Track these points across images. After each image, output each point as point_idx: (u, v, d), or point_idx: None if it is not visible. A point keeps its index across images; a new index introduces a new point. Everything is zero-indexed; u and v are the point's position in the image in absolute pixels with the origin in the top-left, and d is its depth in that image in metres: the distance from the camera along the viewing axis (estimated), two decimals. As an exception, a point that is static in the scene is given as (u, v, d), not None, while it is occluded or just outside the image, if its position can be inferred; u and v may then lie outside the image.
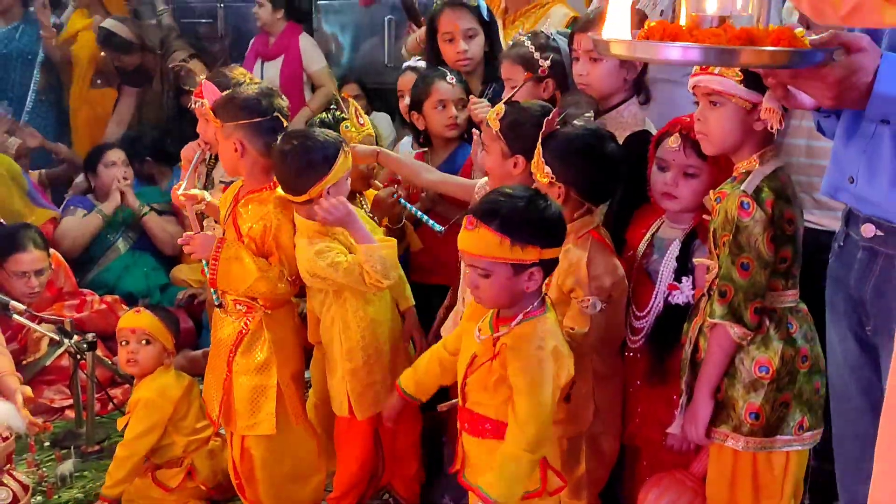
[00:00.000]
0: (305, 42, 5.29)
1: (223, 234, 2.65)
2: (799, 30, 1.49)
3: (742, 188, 1.93)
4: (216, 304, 2.68)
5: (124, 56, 5.39)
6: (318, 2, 5.94)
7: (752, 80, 1.89)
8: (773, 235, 1.93)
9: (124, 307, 4.01)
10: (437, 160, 3.04)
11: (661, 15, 2.72)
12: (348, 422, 2.64)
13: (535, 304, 2.03)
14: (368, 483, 2.76)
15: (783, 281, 2.01)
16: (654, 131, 2.44)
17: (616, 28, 1.37)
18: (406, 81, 3.32)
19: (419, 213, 2.82)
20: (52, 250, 3.93)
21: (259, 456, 2.67)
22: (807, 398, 2.03)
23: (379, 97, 5.21)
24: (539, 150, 2.21)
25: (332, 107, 3.15)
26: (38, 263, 3.71)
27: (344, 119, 2.86)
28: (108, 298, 4.09)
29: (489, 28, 3.19)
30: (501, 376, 1.99)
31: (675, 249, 2.23)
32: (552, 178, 2.19)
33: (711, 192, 2.08)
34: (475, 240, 1.97)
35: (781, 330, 2.01)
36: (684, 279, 2.18)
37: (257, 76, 4.85)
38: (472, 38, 3.12)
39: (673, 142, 2.18)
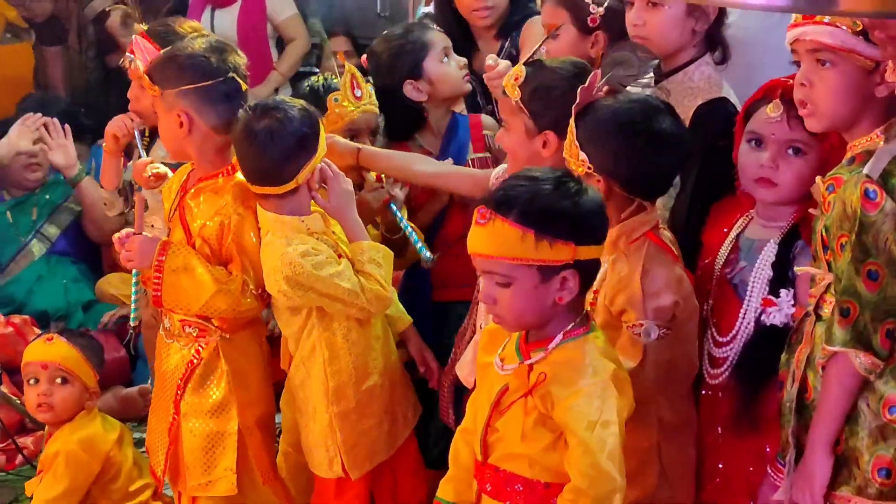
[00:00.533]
0: None
1: (168, 236, 2.61)
2: None
3: (865, 172, 1.84)
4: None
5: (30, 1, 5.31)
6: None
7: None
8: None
9: (36, 330, 3.96)
10: (436, 143, 3.02)
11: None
12: (336, 483, 2.58)
13: (577, 321, 1.96)
14: None
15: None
16: (734, 100, 2.43)
17: None
18: None
19: (408, 227, 2.77)
20: None
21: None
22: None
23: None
24: (572, 127, 2.15)
25: (315, 70, 3.08)
26: None
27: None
28: (16, 319, 4.05)
29: None
30: (541, 416, 1.92)
31: (769, 254, 2.19)
32: (589, 166, 2.13)
33: (819, 178, 2.01)
34: (490, 237, 1.90)
35: (915, 359, 1.97)
36: (783, 292, 2.13)
37: (206, 29, 4.73)
38: None
39: (773, 109, 2.16)
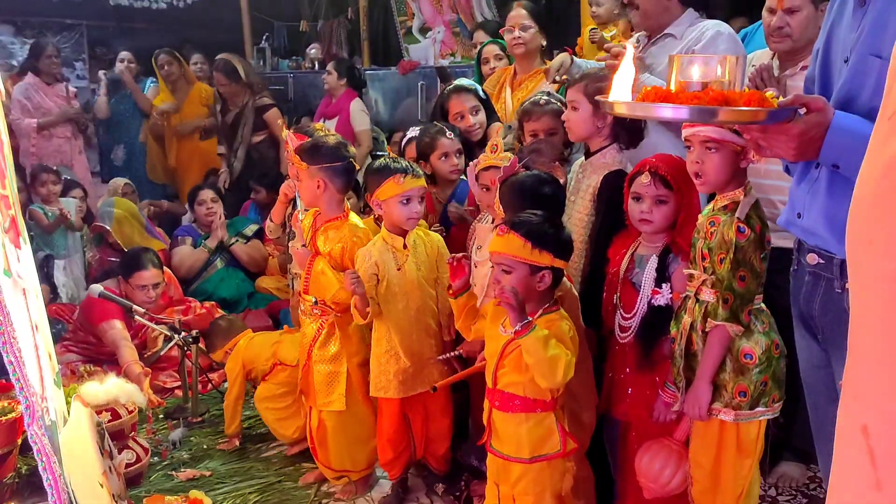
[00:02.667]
0: (355, 106, 5.24)
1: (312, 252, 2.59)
2: (769, 92, 1.44)
3: (736, 215, 1.88)
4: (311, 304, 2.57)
5: (232, 84, 5.14)
6: (367, 71, 5.97)
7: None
8: (761, 252, 1.90)
9: (219, 311, 4.04)
10: (444, 195, 2.95)
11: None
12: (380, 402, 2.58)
13: (550, 303, 2.00)
14: (407, 453, 2.63)
15: (759, 287, 1.96)
16: (627, 171, 2.36)
17: (619, 92, 1.35)
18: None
19: None
20: (165, 269, 3.97)
21: (331, 426, 2.61)
22: (779, 377, 1.98)
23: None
24: (496, 193, 2.12)
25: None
26: (155, 279, 3.74)
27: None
28: (207, 304, 4.11)
29: (486, 104, 3.13)
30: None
31: (653, 264, 2.15)
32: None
33: (702, 216, 2.01)
34: (505, 243, 1.95)
35: (760, 325, 1.96)
36: (664, 286, 2.12)
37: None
38: (477, 112, 3.04)
39: (644, 178, 2.12)
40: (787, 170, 1.91)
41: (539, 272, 1.95)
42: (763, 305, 1.99)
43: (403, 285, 2.44)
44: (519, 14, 3.34)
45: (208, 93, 5.67)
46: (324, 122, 5.14)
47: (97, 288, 3.44)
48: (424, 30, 5.93)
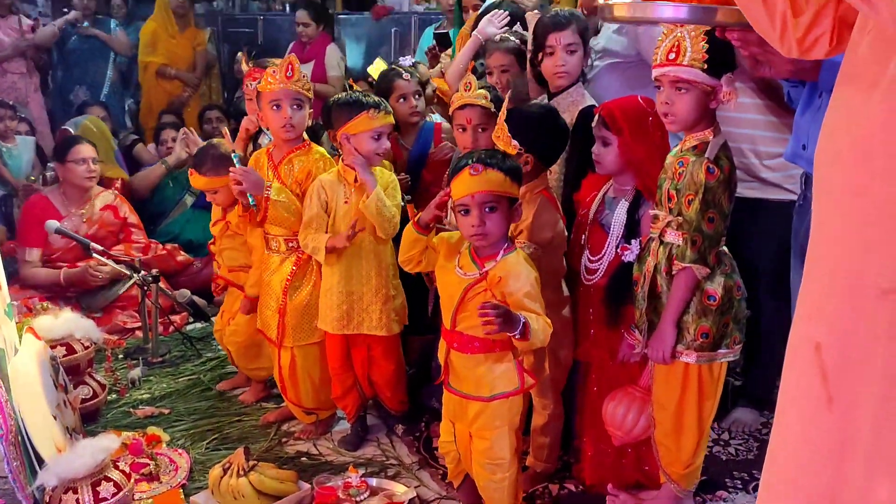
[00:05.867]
0: (330, 51, 5.13)
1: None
2: None
3: (706, 155, 1.86)
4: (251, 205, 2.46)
5: None
6: (339, 16, 5.82)
7: (712, 68, 1.82)
8: (729, 193, 1.88)
9: (182, 253, 3.94)
10: (408, 141, 2.86)
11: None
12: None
13: (508, 242, 1.96)
14: (355, 391, 2.57)
15: (725, 229, 1.94)
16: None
17: None
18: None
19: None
20: (126, 204, 3.88)
21: (303, 363, 2.55)
22: (740, 319, 1.99)
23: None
24: (502, 124, 2.02)
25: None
26: (91, 153, 3.68)
27: None
28: (169, 246, 3.97)
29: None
30: (494, 299, 1.88)
31: (623, 208, 2.13)
32: (521, 148, 2.03)
33: (670, 157, 1.98)
34: (485, 180, 1.87)
35: (722, 267, 1.95)
36: (633, 241, 2.07)
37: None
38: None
39: (595, 121, 2.12)
40: (789, 99, 1.87)
41: (512, 205, 1.91)
42: (725, 248, 1.99)
43: (348, 217, 2.37)
44: None
45: (200, 38, 5.51)
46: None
47: (53, 224, 3.34)
48: (399, -27, 5.77)
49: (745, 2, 1.03)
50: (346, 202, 2.39)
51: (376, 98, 2.40)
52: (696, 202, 1.86)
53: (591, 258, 2.18)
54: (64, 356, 2.55)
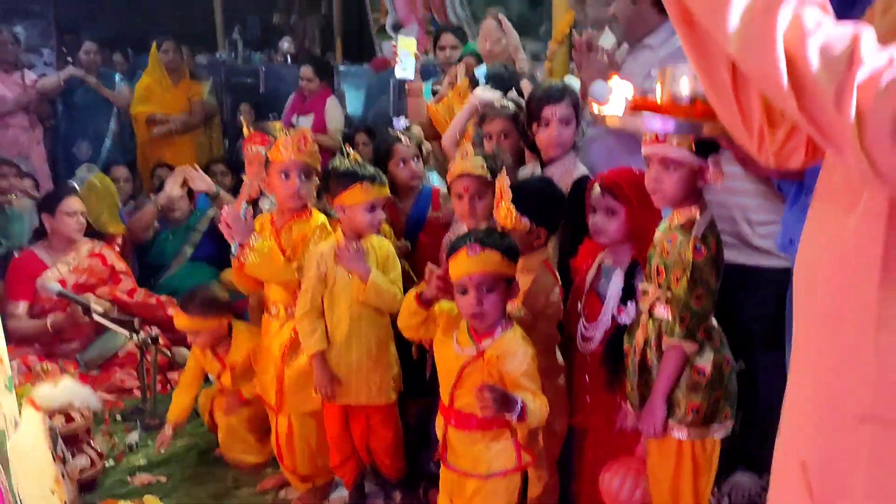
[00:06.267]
0: (331, 104, 5.22)
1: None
2: None
3: (693, 234, 1.88)
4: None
5: None
6: (340, 67, 5.92)
7: (700, 147, 1.86)
8: (717, 270, 1.90)
9: (174, 304, 3.72)
10: (406, 204, 2.93)
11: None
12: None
13: (505, 319, 1.97)
14: (354, 459, 2.59)
15: (713, 305, 1.96)
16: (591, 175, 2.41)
17: (612, 107, 1.33)
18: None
19: None
20: (121, 260, 3.94)
21: (300, 430, 2.56)
22: (731, 394, 1.99)
23: (386, 143, 5.18)
24: (510, 205, 2.06)
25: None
26: (80, 206, 3.75)
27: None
28: (163, 297, 3.94)
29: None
30: (491, 378, 1.92)
31: (618, 277, 2.15)
32: (531, 224, 2.10)
33: (659, 232, 2.01)
34: (483, 261, 1.90)
35: (711, 342, 1.96)
36: (629, 303, 2.09)
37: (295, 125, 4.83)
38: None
39: (595, 190, 2.14)
40: (779, 188, 1.89)
41: (509, 284, 1.94)
42: (714, 322, 2.00)
43: (348, 289, 2.39)
44: (491, 25, 3.35)
45: (195, 90, 5.58)
46: (297, 118, 5.13)
47: (55, 287, 3.36)
48: (398, 27, 5.89)
49: (724, 115, 1.06)
50: (349, 274, 2.38)
51: (371, 169, 2.42)
52: (684, 280, 1.88)
53: (587, 326, 2.20)
54: (63, 425, 2.55)
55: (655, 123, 1.23)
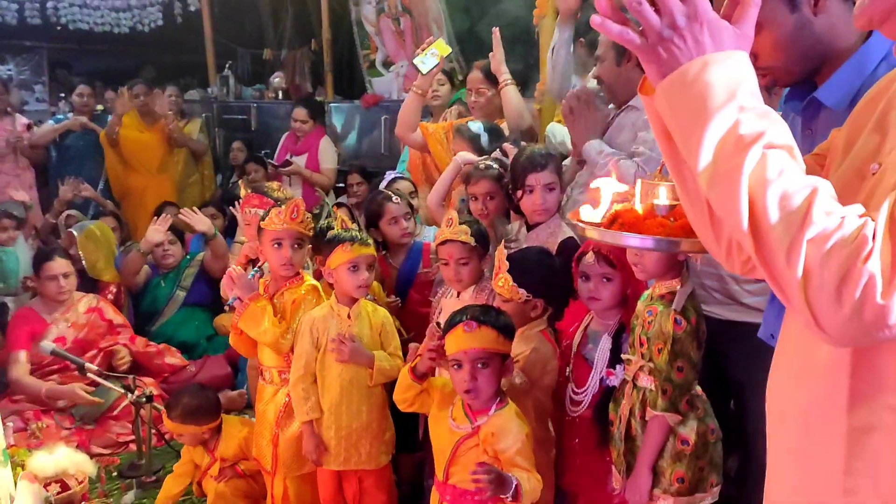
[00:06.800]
0: (324, 144, 5.29)
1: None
2: None
3: (673, 307, 1.91)
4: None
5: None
6: (331, 104, 5.97)
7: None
8: (697, 342, 1.93)
9: (176, 355, 4.01)
10: (397, 260, 2.98)
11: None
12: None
13: (501, 396, 2.00)
14: None
15: (696, 376, 1.99)
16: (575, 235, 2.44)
17: (591, 213, 1.33)
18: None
19: None
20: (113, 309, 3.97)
21: (296, 493, 2.58)
22: (716, 462, 2.01)
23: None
24: (508, 277, 2.09)
25: (327, 218, 2.93)
26: (64, 268, 3.75)
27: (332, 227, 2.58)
28: (161, 346, 4.01)
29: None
30: (486, 455, 1.95)
31: (606, 341, 2.16)
32: (528, 296, 2.12)
33: (641, 302, 2.04)
34: (478, 337, 1.93)
35: (695, 411, 1.99)
36: (618, 367, 2.10)
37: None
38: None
39: (589, 258, 2.15)
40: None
41: (504, 361, 1.97)
42: (699, 389, 2.02)
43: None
44: (476, 77, 3.39)
45: (176, 126, 5.55)
46: (290, 156, 5.19)
47: (49, 346, 3.38)
48: (388, 63, 5.94)
49: (696, 225, 1.09)
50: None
51: (354, 232, 2.46)
52: (665, 352, 1.91)
53: (576, 390, 2.22)
54: (58, 493, 2.57)
55: (633, 241, 1.26)
